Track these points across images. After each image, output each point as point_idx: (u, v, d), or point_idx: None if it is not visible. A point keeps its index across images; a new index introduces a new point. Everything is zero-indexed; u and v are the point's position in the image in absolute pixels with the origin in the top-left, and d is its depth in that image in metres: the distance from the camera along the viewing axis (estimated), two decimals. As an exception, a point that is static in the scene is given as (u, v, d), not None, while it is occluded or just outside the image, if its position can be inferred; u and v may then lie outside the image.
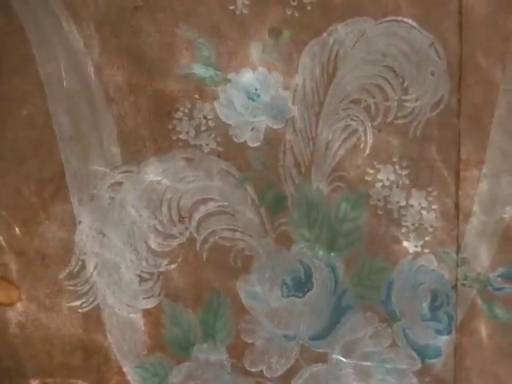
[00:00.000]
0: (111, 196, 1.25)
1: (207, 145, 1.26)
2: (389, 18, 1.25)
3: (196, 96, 1.25)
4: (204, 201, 1.26)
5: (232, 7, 1.25)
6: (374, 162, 1.25)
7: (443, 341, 1.26)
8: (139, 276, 1.26)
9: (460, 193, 1.25)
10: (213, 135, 1.25)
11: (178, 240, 1.26)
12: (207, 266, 1.26)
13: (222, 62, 1.25)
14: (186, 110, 1.25)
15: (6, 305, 1.26)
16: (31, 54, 1.25)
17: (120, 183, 1.25)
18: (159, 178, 1.26)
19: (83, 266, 1.25)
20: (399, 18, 1.25)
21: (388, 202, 1.25)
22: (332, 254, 1.26)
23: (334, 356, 1.27)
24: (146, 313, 1.26)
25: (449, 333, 1.26)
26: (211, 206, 1.26)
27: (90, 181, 1.25)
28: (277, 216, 1.26)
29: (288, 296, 1.26)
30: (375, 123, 1.25)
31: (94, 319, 1.26)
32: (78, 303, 1.26)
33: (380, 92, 1.25)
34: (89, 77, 1.25)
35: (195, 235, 1.26)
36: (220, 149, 1.26)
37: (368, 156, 1.26)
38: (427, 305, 1.26)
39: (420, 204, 1.25)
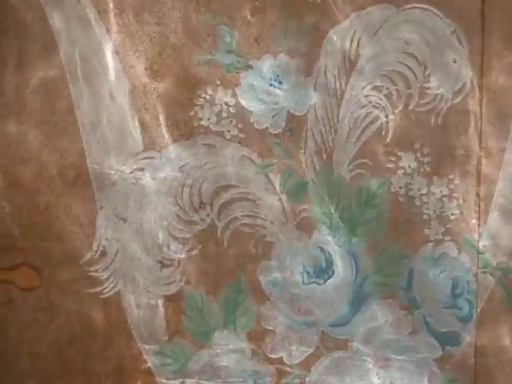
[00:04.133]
0: (133, 182, 1.25)
1: (228, 131, 1.26)
2: (411, 6, 1.25)
3: (218, 82, 1.25)
4: (225, 187, 1.26)
5: (254, -6, 1.25)
6: (396, 150, 1.26)
7: (464, 328, 1.26)
8: (160, 262, 1.26)
9: (481, 180, 1.25)
10: (234, 122, 1.25)
11: (199, 226, 1.26)
12: (228, 253, 1.26)
13: (244, 48, 1.25)
14: (208, 97, 1.25)
15: (27, 290, 1.26)
16: (53, 41, 1.25)
17: (141, 169, 1.25)
18: (180, 165, 1.26)
19: (104, 252, 1.25)
20: (421, 6, 1.24)
21: (409, 190, 1.26)
22: (353, 241, 1.26)
23: (355, 343, 1.27)
24: (167, 299, 1.26)
25: (469, 320, 1.26)
26: (232, 192, 1.26)
27: (112, 166, 1.25)
28: (298, 203, 1.26)
29: (309, 283, 1.26)
30: (397, 110, 1.25)
31: (114, 305, 1.26)
32: (99, 289, 1.26)
33: (402, 79, 1.25)
34: (110, 63, 1.25)
35: (216, 222, 1.26)
36: (241, 135, 1.26)
37: (390, 143, 1.26)
38: (448, 292, 1.26)
39: (441, 192, 1.25)
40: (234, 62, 1.25)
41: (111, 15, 1.25)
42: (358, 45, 1.25)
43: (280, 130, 1.26)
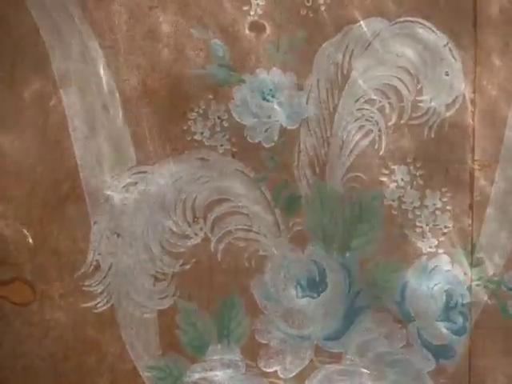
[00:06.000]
0: (126, 196, 1.25)
1: (222, 145, 1.26)
2: (403, 19, 1.25)
3: (210, 96, 1.25)
4: (218, 201, 1.26)
5: (246, 8, 1.25)
6: (389, 163, 1.26)
7: (458, 341, 1.26)
8: (154, 276, 1.26)
9: (474, 193, 1.26)
10: (227, 136, 1.26)
11: (192, 240, 1.26)
12: (221, 267, 1.26)
13: (237, 62, 1.25)
14: (201, 111, 1.25)
15: (21, 305, 1.26)
16: (46, 55, 1.25)
17: (135, 183, 1.25)
18: (174, 179, 1.26)
19: (98, 267, 1.25)
20: (414, 19, 1.25)
21: (402, 203, 1.26)
22: (346, 255, 1.26)
23: (349, 356, 1.27)
24: (161, 313, 1.26)
25: (463, 333, 1.26)
26: (226, 206, 1.26)
27: (105, 181, 1.25)
28: (291, 216, 1.26)
29: (302, 296, 1.26)
30: (390, 124, 1.25)
31: (108, 319, 1.26)
32: (92, 303, 1.26)
33: (395, 92, 1.25)
34: (103, 77, 1.25)
35: (210, 236, 1.26)
36: (234, 149, 1.26)
37: (382, 156, 1.26)
38: (442, 305, 1.26)
39: (434, 205, 1.26)
40: (227, 76, 1.25)
41: (104, 29, 1.25)
42: (350, 58, 1.25)
43: (273, 144, 1.26)
